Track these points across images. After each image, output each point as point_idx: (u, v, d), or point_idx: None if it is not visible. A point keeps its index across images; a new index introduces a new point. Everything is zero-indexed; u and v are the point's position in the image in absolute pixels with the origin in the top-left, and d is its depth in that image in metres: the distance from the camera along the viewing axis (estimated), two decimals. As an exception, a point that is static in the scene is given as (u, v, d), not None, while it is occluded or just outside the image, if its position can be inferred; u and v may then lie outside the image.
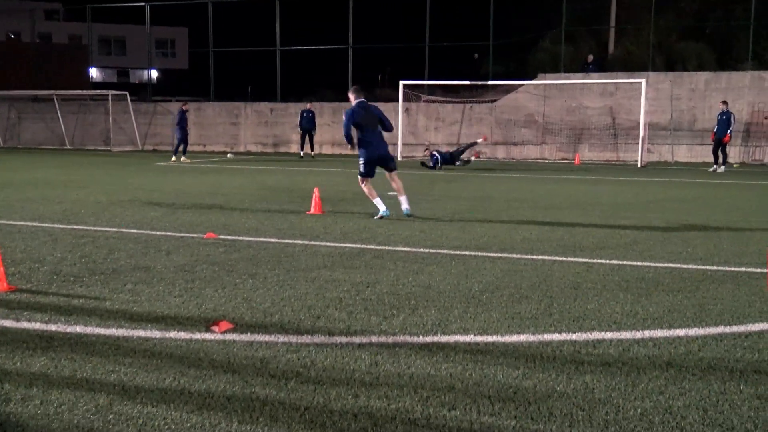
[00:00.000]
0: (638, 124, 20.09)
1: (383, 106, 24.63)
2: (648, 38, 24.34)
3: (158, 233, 7.20)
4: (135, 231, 7.31)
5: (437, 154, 18.01)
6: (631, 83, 21.07)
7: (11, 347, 3.63)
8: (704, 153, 20.89)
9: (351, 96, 8.44)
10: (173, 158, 20.02)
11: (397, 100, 22.60)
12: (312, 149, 22.60)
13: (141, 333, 3.88)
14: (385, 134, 8.59)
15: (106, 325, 4.01)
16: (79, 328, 3.95)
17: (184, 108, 20.43)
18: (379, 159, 8.46)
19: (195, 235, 7.04)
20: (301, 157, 22.29)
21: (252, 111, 26.23)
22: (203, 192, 11.45)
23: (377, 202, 8.48)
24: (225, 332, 3.89)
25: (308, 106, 22.82)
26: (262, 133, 26.12)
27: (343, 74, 26.20)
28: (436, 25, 25.57)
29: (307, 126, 22.36)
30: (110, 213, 8.69)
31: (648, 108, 20.49)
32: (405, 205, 8.47)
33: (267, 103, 26.37)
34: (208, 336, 3.84)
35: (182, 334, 3.86)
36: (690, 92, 21.74)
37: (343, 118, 8.28)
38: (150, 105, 27.97)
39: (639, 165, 19.52)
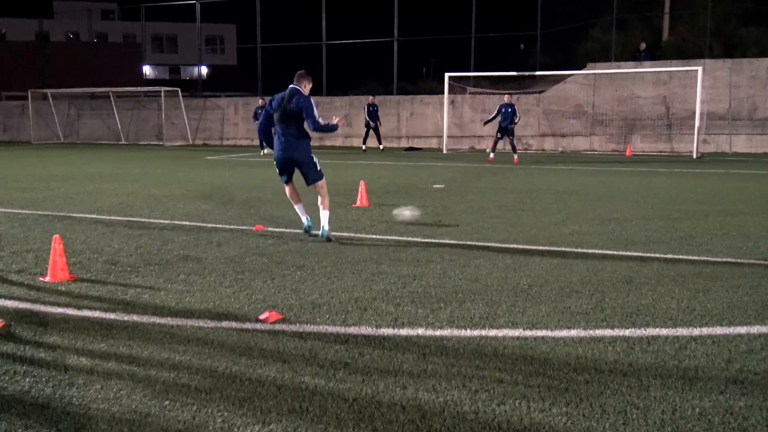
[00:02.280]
0: (693, 113, 19.37)
1: (429, 98, 24.63)
2: (705, 24, 23.37)
3: (209, 225, 7.37)
4: (187, 223, 7.50)
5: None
6: (687, 71, 20.30)
7: (73, 334, 3.78)
8: (765, 143, 19.98)
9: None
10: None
11: (443, 93, 22.42)
12: (364, 143, 22.41)
13: (194, 322, 3.98)
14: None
15: (161, 314, 4.14)
16: (135, 317, 4.08)
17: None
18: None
19: (244, 227, 7.18)
20: (382, 150, 22.13)
21: (298, 105, 26.49)
22: (251, 185, 11.66)
23: (299, 208, 6.67)
24: (274, 323, 3.94)
25: (371, 99, 22.62)
26: (308, 126, 26.36)
27: (389, 67, 26.20)
28: (481, 16, 25.22)
29: (371, 119, 22.19)
30: (163, 206, 8.96)
31: (704, 97, 19.71)
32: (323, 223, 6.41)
33: (313, 97, 26.57)
34: (258, 326, 3.91)
35: (234, 324, 3.94)
36: (750, 80, 20.79)
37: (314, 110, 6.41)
38: (200, 100, 28.63)
39: (694, 156, 18.83)
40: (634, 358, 3.42)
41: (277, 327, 3.89)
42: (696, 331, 3.83)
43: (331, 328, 3.86)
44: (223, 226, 7.33)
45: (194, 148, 24.86)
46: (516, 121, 17.44)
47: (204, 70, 47.30)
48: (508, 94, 18.31)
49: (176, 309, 4.25)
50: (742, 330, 3.86)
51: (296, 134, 6.46)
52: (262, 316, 4.02)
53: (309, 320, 4.01)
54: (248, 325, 3.92)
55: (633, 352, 3.51)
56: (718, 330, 3.86)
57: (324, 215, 6.44)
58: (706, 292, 4.62)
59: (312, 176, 6.49)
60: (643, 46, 23.03)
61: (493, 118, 17.70)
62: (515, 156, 17.55)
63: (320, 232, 6.46)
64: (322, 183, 6.52)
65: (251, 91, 30.16)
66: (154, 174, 14.12)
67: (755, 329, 3.87)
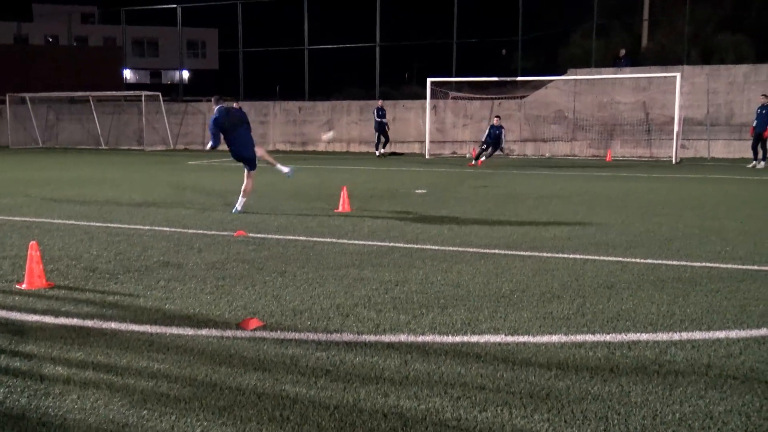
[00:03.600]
0: (672, 119, 19.60)
1: (411, 103, 24.70)
2: (683, 30, 23.70)
3: (190, 231, 7.30)
4: (167, 229, 7.43)
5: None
6: (666, 77, 20.58)
7: (50, 342, 3.71)
8: (742, 148, 20.29)
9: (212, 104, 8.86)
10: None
11: (425, 98, 22.49)
12: (384, 147, 22.12)
13: (174, 330, 3.93)
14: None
15: (140, 322, 4.08)
16: (114, 325, 4.02)
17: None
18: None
19: (225, 233, 7.12)
20: (385, 155, 21.97)
21: (281, 110, 26.44)
22: (233, 190, 11.55)
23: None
24: (255, 330, 3.91)
25: (379, 103, 22.36)
26: (290, 131, 26.30)
27: (371, 72, 26.25)
28: (463, 21, 25.38)
29: (379, 124, 21.95)
30: (143, 211, 8.86)
31: (683, 102, 19.99)
32: (238, 206, 8.81)
33: (295, 102, 26.56)
34: (238, 333, 3.87)
35: (214, 332, 3.89)
36: (728, 86, 21.14)
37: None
38: (181, 105, 28.41)
39: (673, 161, 19.08)
40: (615, 363, 3.45)
41: (258, 334, 3.85)
42: (676, 336, 3.87)
43: (312, 335, 3.84)
44: (204, 231, 7.26)
45: (175, 153, 24.65)
46: (502, 146, 17.83)
47: (185, 74, 46.98)
48: (497, 117, 18.51)
49: (155, 316, 4.19)
50: (720, 334, 3.90)
51: (250, 137, 8.92)
52: (242, 323, 3.98)
53: (290, 327, 3.98)
54: (229, 333, 3.88)
55: (614, 357, 3.53)
56: (698, 334, 3.91)
57: (241, 200, 8.81)
58: (685, 296, 4.67)
59: (251, 167, 8.93)
60: (622, 52, 23.33)
61: (486, 140, 18.25)
62: (481, 160, 17.82)
63: (233, 209, 8.73)
64: (254, 173, 8.97)
65: (233, 96, 29.98)
66: (135, 179, 13.96)
67: (734, 333, 3.92)
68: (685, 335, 3.89)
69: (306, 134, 26.04)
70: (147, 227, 7.52)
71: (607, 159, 20.49)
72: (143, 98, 27.30)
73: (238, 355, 3.52)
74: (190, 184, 12.83)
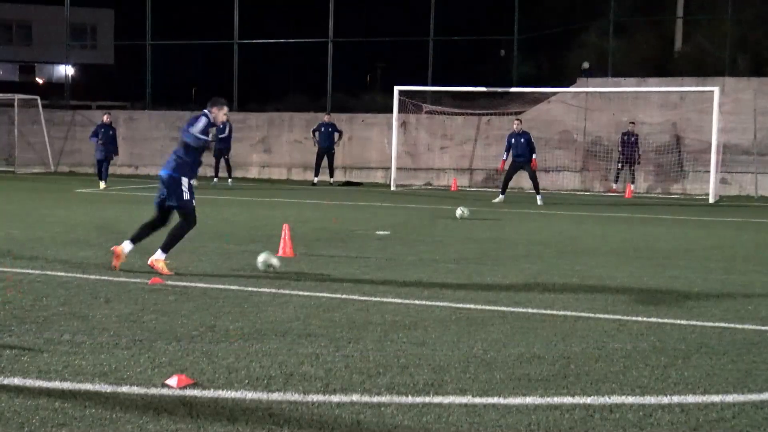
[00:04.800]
0: (710, 145, 20.22)
1: (374, 118, 25.33)
2: (726, 32, 24.35)
3: (92, 277, 7.95)
4: (63, 274, 8.07)
5: None
6: (702, 92, 21.20)
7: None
8: (799, 185, 21.08)
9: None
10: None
11: (391, 111, 22.78)
12: (332, 175, 23.14)
13: (89, 387, 4.59)
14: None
15: (48, 378, 4.72)
16: (17, 380, 4.65)
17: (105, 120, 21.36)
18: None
19: (137, 280, 7.79)
20: (314, 183, 22.99)
21: (200, 122, 26.86)
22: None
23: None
24: (184, 388, 4.61)
25: (326, 118, 23.41)
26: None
27: (321, 75, 26.81)
28: (444, 14, 26.07)
29: (325, 144, 22.94)
30: (29, 251, 9.45)
31: (724, 125, 20.57)
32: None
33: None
34: (165, 391, 4.56)
35: (136, 389, 4.58)
36: (782, 105, 21.67)
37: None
38: (67, 113, 28.47)
39: (710, 200, 19.91)
40: (592, 425, 4.21)
41: (189, 392, 4.55)
42: (665, 400, 4.66)
43: (251, 394, 4.55)
44: (110, 278, 7.92)
45: (59, 178, 24.90)
46: (534, 157, 18.72)
47: (70, 70, 47.22)
48: (517, 120, 19.26)
49: (65, 372, 4.83)
50: (716, 398, 4.70)
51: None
52: (169, 381, 4.68)
53: (225, 386, 4.69)
54: (154, 390, 4.56)
55: (592, 419, 4.30)
56: (690, 398, 4.70)
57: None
58: (686, 358, 5.51)
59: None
60: (586, 65, 24.26)
61: (507, 154, 18.95)
62: (538, 197, 18.53)
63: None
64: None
65: (137, 101, 30.35)
66: (9, 210, 14.44)
67: (731, 398, 4.71)
68: (675, 398, 4.67)
69: (233, 156, 26.54)
70: (37, 272, 8.13)
71: (627, 195, 21.26)
72: (16, 103, 27.42)
73: (167, 413, 4.20)
74: (84, 218, 13.37)
